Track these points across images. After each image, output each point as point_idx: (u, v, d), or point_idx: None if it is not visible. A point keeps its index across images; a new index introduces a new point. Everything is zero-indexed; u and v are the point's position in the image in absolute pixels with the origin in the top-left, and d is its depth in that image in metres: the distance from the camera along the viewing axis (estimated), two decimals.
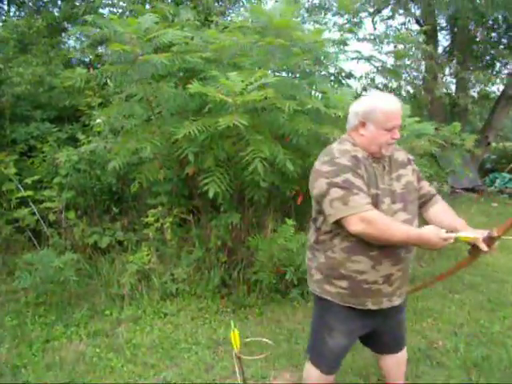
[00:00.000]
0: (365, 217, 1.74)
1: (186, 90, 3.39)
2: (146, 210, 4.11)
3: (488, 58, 10.55)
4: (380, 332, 2.10)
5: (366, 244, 1.82)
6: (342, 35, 4.38)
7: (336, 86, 4.59)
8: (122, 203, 4.57)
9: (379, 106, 1.84)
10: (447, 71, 8.38)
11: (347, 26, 5.94)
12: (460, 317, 3.54)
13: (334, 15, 7.32)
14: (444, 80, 8.39)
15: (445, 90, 8.36)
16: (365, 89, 5.13)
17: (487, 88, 9.62)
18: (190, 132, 3.02)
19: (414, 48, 5.38)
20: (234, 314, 3.61)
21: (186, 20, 3.94)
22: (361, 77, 5.10)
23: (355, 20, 6.41)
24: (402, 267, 1.92)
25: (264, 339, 2.50)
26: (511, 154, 12.62)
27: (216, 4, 5.85)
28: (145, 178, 3.65)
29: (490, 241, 1.80)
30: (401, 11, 7.90)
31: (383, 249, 1.84)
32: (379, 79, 5.60)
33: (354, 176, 1.80)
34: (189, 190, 4.20)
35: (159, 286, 3.78)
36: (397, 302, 1.97)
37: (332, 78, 4.55)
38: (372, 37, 4.78)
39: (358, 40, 4.95)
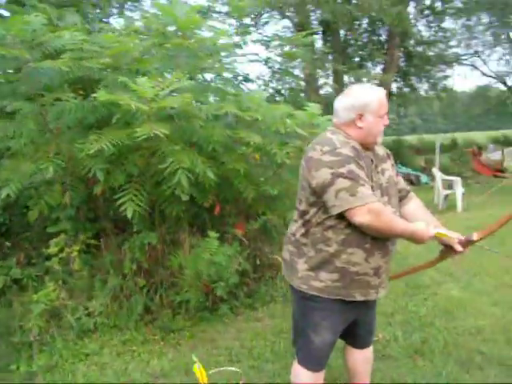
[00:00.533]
0: (372, 208, 1.74)
1: (86, 101, 3.02)
2: (46, 239, 3.61)
3: (358, 58, 11.44)
4: (358, 323, 2.10)
5: (361, 236, 1.83)
6: (242, 39, 4.28)
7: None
8: (13, 236, 3.96)
9: (375, 96, 1.88)
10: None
11: (240, 29, 5.90)
12: (389, 306, 3.64)
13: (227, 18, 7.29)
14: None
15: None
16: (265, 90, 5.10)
17: None
18: (102, 147, 2.67)
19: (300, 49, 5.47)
20: (164, 342, 3.30)
21: (74, 24, 3.53)
22: (257, 78, 5.08)
23: (246, 23, 6.47)
24: (388, 259, 1.95)
25: (230, 368, 2.28)
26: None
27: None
28: (45, 204, 3.18)
29: (466, 243, 1.88)
30: (277, 16, 8.12)
31: (375, 241, 1.86)
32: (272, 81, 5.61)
33: (357, 167, 1.79)
34: (94, 213, 3.78)
35: (73, 323, 3.31)
36: (382, 293, 2.00)
37: (234, 81, 4.44)
38: (264, 39, 4.80)
39: (253, 42, 4.91)
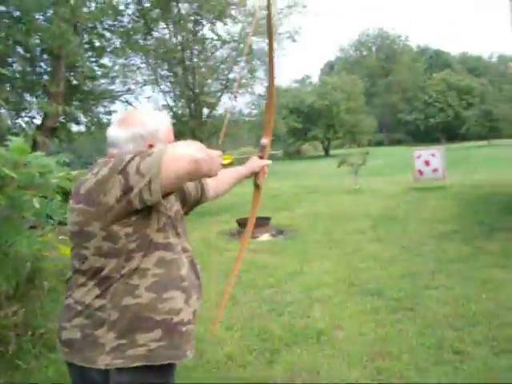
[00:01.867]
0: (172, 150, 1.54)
1: None
2: None
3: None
4: None
5: (177, 273, 1.62)
6: None
7: None
8: None
9: (162, 121, 1.71)
10: None
11: None
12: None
13: None
14: None
15: None
16: None
17: None
18: None
19: None
20: None
21: None
22: None
23: None
24: (200, 302, 1.78)
25: None
26: None
27: None
28: None
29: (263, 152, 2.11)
30: None
31: (190, 278, 1.68)
32: None
33: None
34: None
35: None
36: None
37: None
38: None
39: None
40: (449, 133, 58.04)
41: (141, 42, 12.92)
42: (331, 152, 45.65)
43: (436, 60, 73.58)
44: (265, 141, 2.09)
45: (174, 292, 1.59)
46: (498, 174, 16.89)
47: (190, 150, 1.42)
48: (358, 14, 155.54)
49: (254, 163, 2.11)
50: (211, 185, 2.05)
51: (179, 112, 15.21)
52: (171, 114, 14.74)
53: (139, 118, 1.67)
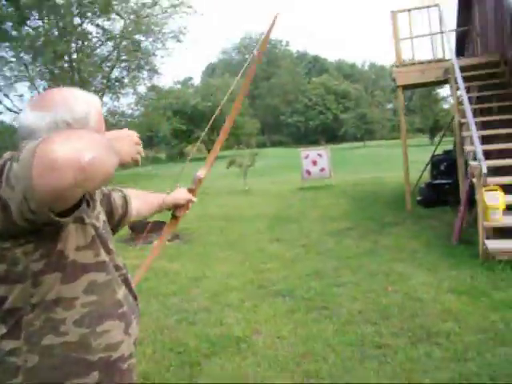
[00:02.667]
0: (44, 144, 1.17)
1: None
2: None
3: None
4: None
5: (113, 298, 1.31)
6: None
7: None
8: None
9: (93, 104, 1.31)
10: None
11: None
12: None
13: None
14: None
15: None
16: None
17: None
18: None
19: None
20: None
21: None
22: None
23: None
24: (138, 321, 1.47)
25: None
26: None
27: None
28: None
29: (197, 185, 1.96)
30: None
31: (127, 300, 1.39)
32: None
33: None
34: None
35: None
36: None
37: None
38: None
39: None
40: (328, 134, 61.58)
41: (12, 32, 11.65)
42: None
43: (315, 65, 77.84)
44: (201, 174, 1.92)
45: (110, 322, 1.28)
46: (376, 172, 18.16)
47: (75, 148, 1.00)
48: (241, 17, 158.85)
49: (181, 195, 1.91)
50: (134, 204, 1.73)
51: None
52: None
53: (61, 98, 1.26)
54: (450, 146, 11.54)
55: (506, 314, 3.81)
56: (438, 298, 4.29)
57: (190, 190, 1.93)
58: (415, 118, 44.92)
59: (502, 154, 6.51)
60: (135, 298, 1.47)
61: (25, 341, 1.17)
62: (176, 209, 1.93)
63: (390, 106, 65.97)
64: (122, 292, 1.36)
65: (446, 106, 42.70)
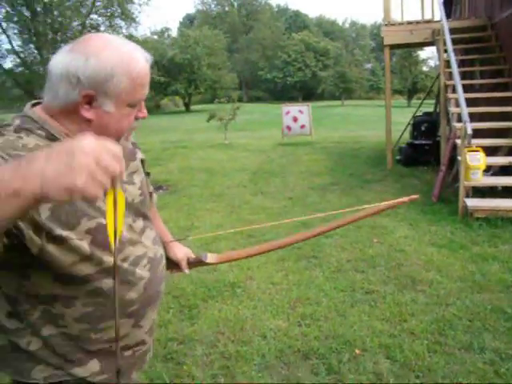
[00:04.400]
0: None
1: None
2: None
3: None
4: None
5: (120, 299, 1.14)
6: None
7: None
8: None
9: (124, 73, 1.06)
10: None
11: None
12: None
13: None
14: None
15: None
16: None
17: None
18: None
19: None
20: None
21: None
22: None
23: None
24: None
25: None
26: None
27: None
28: None
29: (196, 263, 1.61)
30: None
31: (148, 293, 1.26)
32: None
33: None
34: None
35: None
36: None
37: None
38: None
39: None
40: (306, 92, 61.24)
41: None
42: (192, 107, 45.20)
43: (295, 21, 76.25)
44: (207, 259, 1.53)
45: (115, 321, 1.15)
46: (355, 131, 18.35)
47: None
48: None
49: (180, 255, 1.56)
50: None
51: (28, 59, 13.42)
52: (19, 60, 13.05)
53: (92, 49, 1.05)
54: (428, 109, 11.77)
55: (482, 265, 4.10)
56: (420, 250, 4.55)
57: (195, 262, 1.59)
58: (394, 79, 45.05)
59: (482, 116, 6.72)
60: (161, 281, 1.33)
61: (27, 325, 1.13)
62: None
63: (368, 65, 65.76)
64: (136, 291, 1.22)
65: (425, 69, 42.96)
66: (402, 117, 15.91)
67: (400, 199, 1.50)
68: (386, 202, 1.51)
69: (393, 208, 1.58)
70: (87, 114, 1.06)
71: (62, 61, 1.04)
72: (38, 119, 1.08)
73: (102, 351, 1.19)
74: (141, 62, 1.09)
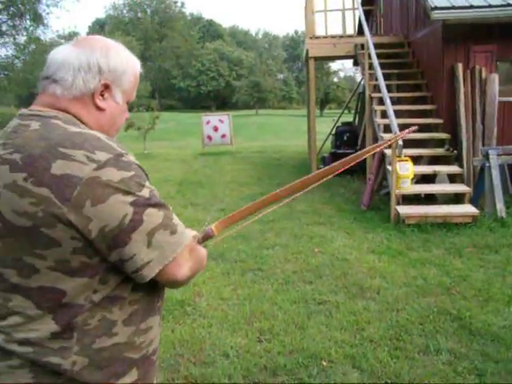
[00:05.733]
0: (193, 247, 1.14)
1: None
2: None
3: None
4: None
5: (150, 295, 1.16)
6: None
7: None
8: None
9: (134, 66, 1.21)
10: None
11: None
12: None
13: None
14: None
15: None
16: None
17: None
18: None
19: None
20: None
21: None
22: None
23: None
24: None
25: None
26: None
27: None
28: None
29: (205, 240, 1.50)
30: None
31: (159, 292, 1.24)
32: None
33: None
34: None
35: None
36: None
37: None
38: None
39: None
40: (219, 101, 61.50)
41: None
42: None
43: (209, 30, 76.41)
44: (212, 231, 1.38)
45: (152, 318, 1.17)
46: (274, 140, 18.68)
47: (193, 265, 1.14)
48: None
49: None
50: None
51: None
52: None
53: (104, 45, 1.16)
54: (346, 118, 12.29)
55: (422, 270, 4.30)
56: (361, 258, 4.67)
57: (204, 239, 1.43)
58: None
59: (405, 127, 7.09)
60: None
61: (77, 341, 1.04)
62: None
63: (281, 75, 67.59)
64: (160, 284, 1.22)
65: (336, 80, 45.03)
66: (317, 126, 16.46)
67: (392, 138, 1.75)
68: (370, 146, 1.68)
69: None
70: (102, 103, 1.14)
71: (77, 53, 1.11)
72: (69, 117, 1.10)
73: (143, 358, 1.16)
74: (139, 65, 1.24)
